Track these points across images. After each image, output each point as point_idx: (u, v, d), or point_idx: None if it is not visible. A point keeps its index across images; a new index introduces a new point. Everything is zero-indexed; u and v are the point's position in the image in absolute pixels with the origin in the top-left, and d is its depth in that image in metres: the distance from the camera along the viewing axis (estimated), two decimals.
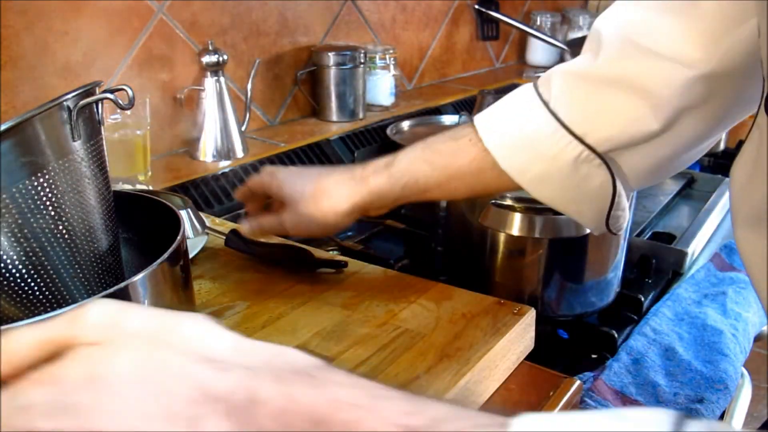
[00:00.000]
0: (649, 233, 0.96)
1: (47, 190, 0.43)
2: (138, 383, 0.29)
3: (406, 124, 1.24)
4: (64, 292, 0.46)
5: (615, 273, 0.76)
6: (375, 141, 1.23)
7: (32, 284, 0.44)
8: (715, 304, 0.80)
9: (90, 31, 0.96)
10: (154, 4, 1.02)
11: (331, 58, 1.23)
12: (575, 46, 1.51)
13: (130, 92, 0.49)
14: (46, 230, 0.44)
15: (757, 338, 0.82)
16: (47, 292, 0.45)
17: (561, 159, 0.57)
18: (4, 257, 0.42)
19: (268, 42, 1.21)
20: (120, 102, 0.48)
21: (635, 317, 0.79)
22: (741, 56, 0.50)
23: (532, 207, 0.67)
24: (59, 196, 0.44)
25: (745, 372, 0.76)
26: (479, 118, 0.61)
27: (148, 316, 0.32)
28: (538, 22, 1.87)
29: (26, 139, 0.42)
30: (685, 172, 1.16)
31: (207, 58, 1.04)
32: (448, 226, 0.76)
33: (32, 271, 0.44)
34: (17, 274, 0.43)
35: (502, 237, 0.70)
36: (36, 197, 0.43)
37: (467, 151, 0.61)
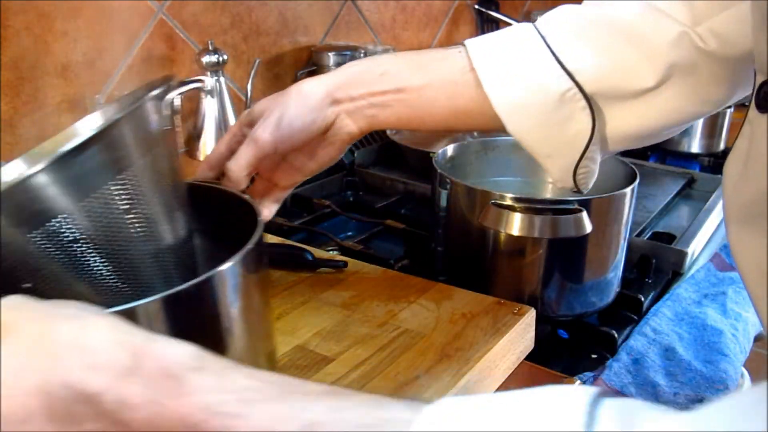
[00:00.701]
0: (649, 233, 0.96)
1: (132, 188, 0.43)
2: (17, 383, 0.29)
3: None
4: (145, 286, 0.46)
5: (615, 273, 0.76)
6: (375, 141, 1.23)
7: (116, 281, 0.44)
8: (715, 304, 0.80)
9: (90, 31, 0.96)
10: (154, 4, 1.02)
11: (331, 58, 1.23)
12: None
13: (207, 83, 0.50)
14: (130, 228, 0.44)
15: (757, 338, 0.82)
16: (128, 287, 0.45)
17: (547, 91, 0.55)
18: (93, 253, 0.42)
19: (268, 42, 1.21)
20: (206, 89, 0.50)
21: (635, 317, 0.78)
22: (731, 35, 0.51)
23: (532, 207, 0.67)
24: (142, 192, 0.44)
25: (745, 372, 0.76)
26: (471, 40, 0.58)
27: (31, 307, 0.32)
28: None
29: (115, 138, 0.42)
30: (685, 172, 1.16)
31: (207, 58, 1.04)
32: (448, 226, 0.76)
33: (116, 269, 0.44)
34: (104, 272, 0.44)
35: (502, 237, 0.70)
36: (122, 196, 0.43)
37: (454, 61, 0.58)
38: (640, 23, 0.54)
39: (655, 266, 0.86)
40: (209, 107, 1.05)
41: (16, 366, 0.29)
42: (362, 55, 1.25)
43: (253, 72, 1.11)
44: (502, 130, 0.57)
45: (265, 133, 0.56)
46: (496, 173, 0.85)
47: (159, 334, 0.31)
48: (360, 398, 0.28)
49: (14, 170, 0.55)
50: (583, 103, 0.55)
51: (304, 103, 0.57)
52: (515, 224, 0.67)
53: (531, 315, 0.64)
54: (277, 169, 0.62)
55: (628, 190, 0.71)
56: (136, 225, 0.44)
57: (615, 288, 0.77)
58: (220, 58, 1.05)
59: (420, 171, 1.09)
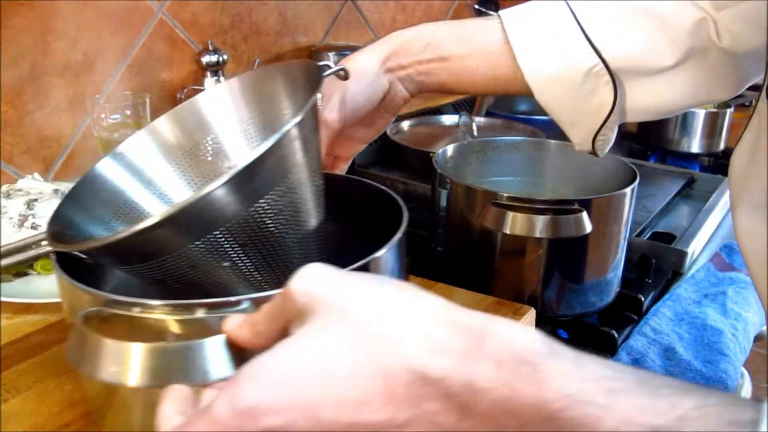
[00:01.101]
0: (649, 233, 0.96)
1: (293, 187, 0.44)
2: (355, 367, 0.28)
3: (406, 124, 1.24)
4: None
5: (615, 273, 0.76)
6: (375, 141, 1.22)
7: (268, 277, 0.45)
8: (715, 304, 0.80)
9: (90, 31, 0.96)
10: (154, 4, 1.02)
11: (331, 58, 1.23)
12: None
13: (332, 64, 0.54)
14: (286, 225, 0.44)
15: (757, 338, 0.82)
16: (274, 276, 0.46)
17: (575, 67, 0.59)
18: (247, 254, 0.43)
19: (268, 42, 1.21)
20: (341, 75, 0.57)
21: (635, 317, 0.78)
22: (742, 33, 0.54)
23: (532, 207, 0.67)
24: (301, 190, 0.44)
25: (745, 372, 0.76)
26: (506, 12, 0.62)
27: (356, 285, 0.31)
28: None
29: (285, 144, 0.42)
30: (685, 172, 1.16)
31: (207, 58, 1.04)
32: (448, 226, 0.76)
33: (266, 262, 0.45)
34: (257, 275, 0.44)
35: (502, 237, 0.70)
36: (284, 197, 0.43)
37: (492, 33, 0.61)
38: (666, 6, 0.57)
39: (655, 266, 0.85)
40: None
41: (351, 349, 0.29)
42: None
43: None
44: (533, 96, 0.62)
45: (332, 114, 0.60)
46: (496, 173, 0.85)
47: (490, 315, 0.29)
48: (716, 394, 0.26)
49: (137, 142, 0.56)
50: (607, 78, 0.59)
51: (362, 78, 0.61)
52: (515, 224, 0.67)
53: (531, 315, 0.64)
54: (337, 144, 0.65)
55: (628, 190, 0.71)
56: (290, 220, 0.45)
57: (615, 288, 0.77)
58: (220, 58, 1.05)
59: (420, 171, 1.09)
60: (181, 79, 1.08)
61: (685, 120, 1.29)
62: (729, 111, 1.29)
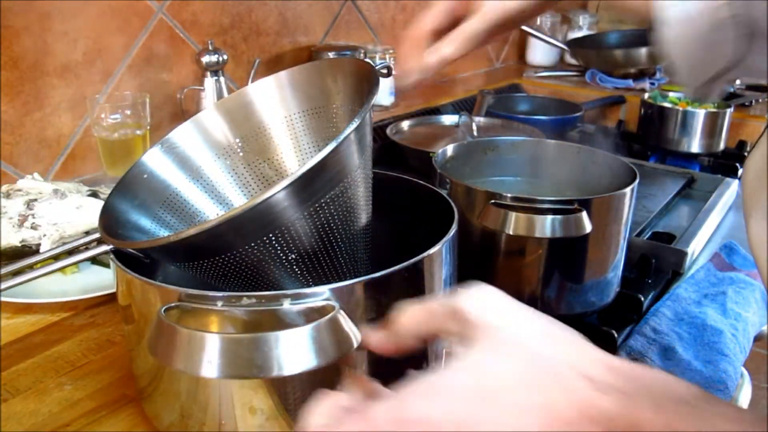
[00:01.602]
0: (649, 233, 0.96)
1: (350, 186, 0.44)
2: (521, 396, 0.29)
3: (406, 124, 1.24)
4: (338, 270, 0.48)
5: (615, 273, 0.76)
6: (375, 141, 1.23)
7: (314, 271, 0.46)
8: (715, 304, 0.80)
9: (90, 31, 0.96)
10: (154, 4, 1.02)
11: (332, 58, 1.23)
12: (575, 46, 1.51)
13: (376, 63, 0.53)
14: (342, 223, 0.45)
15: (757, 338, 0.82)
16: (321, 272, 0.47)
17: (714, 13, 0.57)
18: (301, 251, 0.44)
19: (268, 42, 1.21)
20: (384, 72, 0.54)
21: (635, 317, 0.78)
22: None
23: (532, 207, 0.67)
24: (357, 189, 0.45)
25: (745, 372, 0.76)
26: None
27: (525, 317, 0.32)
28: (538, 22, 1.87)
29: (345, 148, 0.42)
30: (685, 172, 1.16)
31: (207, 58, 1.04)
32: None
33: (317, 263, 0.45)
34: (302, 269, 0.45)
35: (502, 237, 0.70)
36: (339, 201, 0.43)
37: None
38: None
39: (655, 266, 0.85)
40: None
41: (520, 380, 0.29)
42: (362, 55, 1.25)
43: (253, 72, 1.12)
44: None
45: (450, 46, 0.58)
46: (496, 173, 0.85)
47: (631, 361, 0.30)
48: None
49: (184, 133, 0.56)
50: (742, 32, 0.58)
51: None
52: (515, 224, 0.67)
53: None
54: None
55: (628, 190, 0.71)
56: (345, 218, 0.45)
57: (615, 288, 0.77)
58: (220, 58, 1.05)
59: (420, 171, 1.09)
60: (181, 79, 1.08)
61: (685, 120, 1.29)
62: (729, 111, 1.29)
